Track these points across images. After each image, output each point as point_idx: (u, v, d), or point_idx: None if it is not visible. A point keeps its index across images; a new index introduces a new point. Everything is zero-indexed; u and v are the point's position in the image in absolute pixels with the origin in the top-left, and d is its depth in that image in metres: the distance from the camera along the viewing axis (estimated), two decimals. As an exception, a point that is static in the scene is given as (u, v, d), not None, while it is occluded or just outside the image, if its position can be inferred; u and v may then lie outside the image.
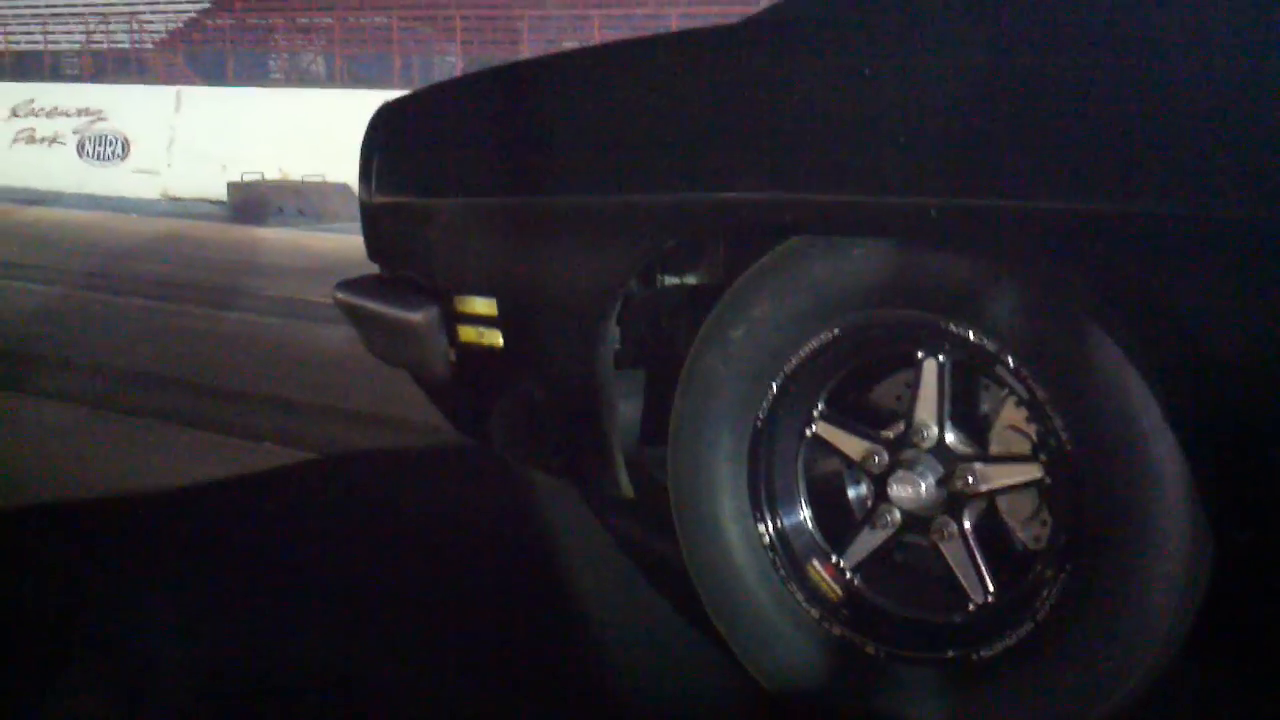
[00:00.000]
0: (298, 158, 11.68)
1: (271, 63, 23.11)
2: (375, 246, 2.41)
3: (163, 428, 3.75)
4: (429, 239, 2.27)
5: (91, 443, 3.62)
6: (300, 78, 21.45)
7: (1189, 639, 1.70)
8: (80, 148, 13.30)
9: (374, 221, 2.39)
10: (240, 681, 2.11)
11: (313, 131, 11.56)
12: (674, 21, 15.87)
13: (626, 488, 2.10)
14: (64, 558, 2.69)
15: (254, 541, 2.80)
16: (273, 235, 9.55)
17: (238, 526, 2.92)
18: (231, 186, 11.60)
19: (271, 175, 11.81)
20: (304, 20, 22.40)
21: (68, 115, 13.42)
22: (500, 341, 2.16)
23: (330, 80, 20.05)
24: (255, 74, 21.53)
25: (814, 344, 1.87)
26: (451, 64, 19.44)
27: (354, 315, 2.39)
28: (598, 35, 17.15)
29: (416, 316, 2.22)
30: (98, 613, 2.39)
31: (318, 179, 11.17)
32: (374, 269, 2.48)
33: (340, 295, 2.41)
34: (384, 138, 2.36)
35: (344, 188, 9.98)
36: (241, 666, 2.16)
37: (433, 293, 2.24)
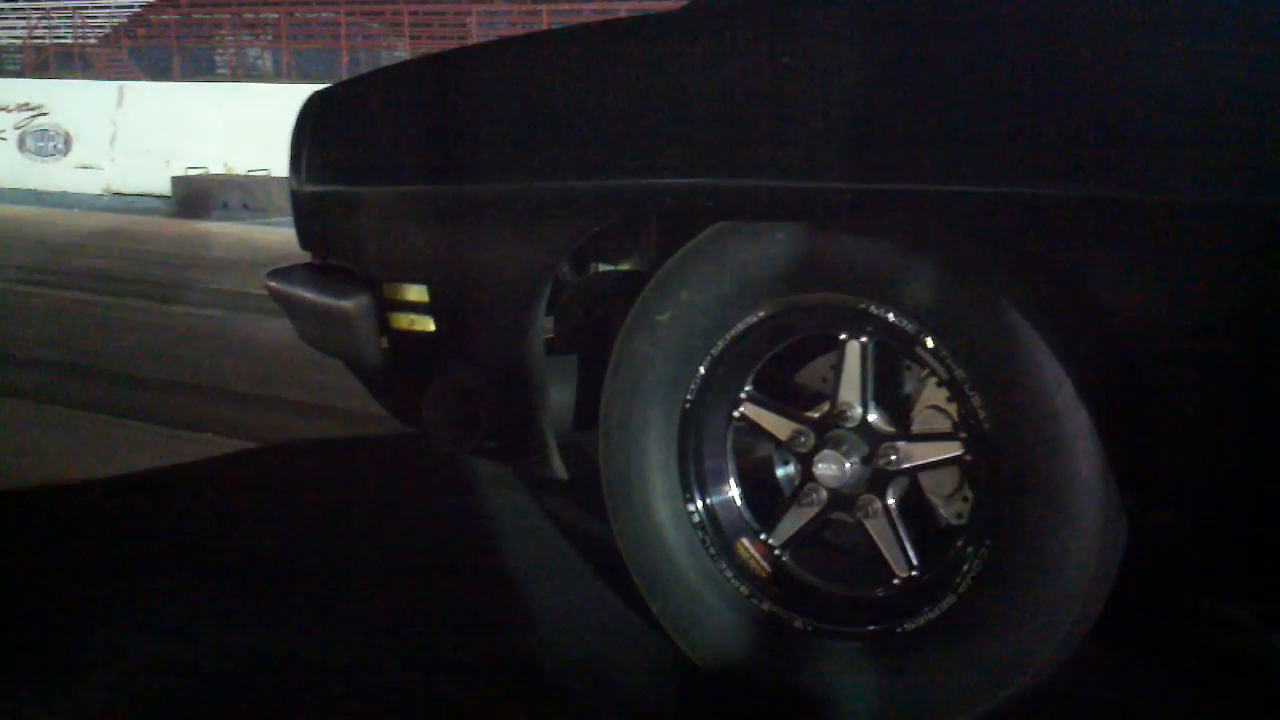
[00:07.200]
0: (243, 152, 11.60)
1: (218, 58, 22.88)
2: (307, 235, 2.41)
3: (103, 420, 3.73)
4: (359, 227, 2.27)
5: (30, 436, 3.59)
6: (247, 73, 21.28)
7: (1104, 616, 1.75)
8: (21, 143, 13.13)
9: (305, 210, 2.39)
10: (179, 669, 2.11)
11: (258, 126, 11.46)
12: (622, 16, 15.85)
13: (560, 470, 2.12)
14: (2, 549, 2.68)
15: (194, 530, 2.80)
16: (217, 229, 9.47)
17: (178, 515, 2.91)
18: (175, 181, 11.51)
19: (216, 170, 11.73)
20: (250, 15, 22.20)
21: (7, 110, 13.23)
22: (432, 328, 2.18)
23: (278, 76, 19.89)
24: (202, 69, 21.32)
25: (740, 327, 1.90)
26: (400, 60, 19.34)
27: (287, 304, 2.39)
28: (546, 29, 17.08)
29: (348, 304, 2.22)
30: (36, 602, 2.38)
31: (263, 173, 11.09)
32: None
33: (273, 284, 2.41)
34: (314, 126, 2.35)
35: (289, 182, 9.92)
36: (180, 653, 2.16)
37: (364, 280, 2.25)
